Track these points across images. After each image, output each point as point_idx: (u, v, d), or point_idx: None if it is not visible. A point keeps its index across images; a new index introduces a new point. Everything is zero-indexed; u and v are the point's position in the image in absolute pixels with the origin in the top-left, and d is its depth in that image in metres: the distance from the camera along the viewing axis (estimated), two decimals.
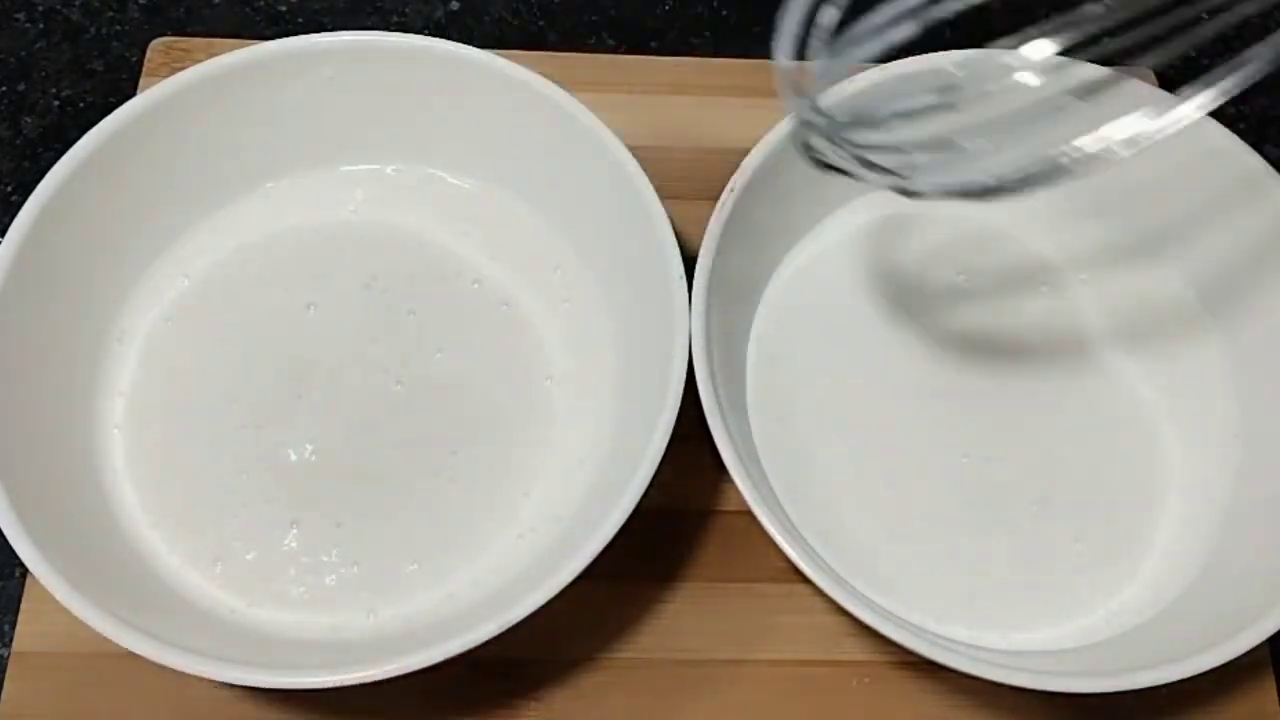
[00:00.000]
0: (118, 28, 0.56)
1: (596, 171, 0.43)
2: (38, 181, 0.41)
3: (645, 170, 0.42)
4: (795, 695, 0.43)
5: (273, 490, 0.43)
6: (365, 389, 0.45)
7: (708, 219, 0.42)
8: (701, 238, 0.41)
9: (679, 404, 0.38)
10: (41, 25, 0.56)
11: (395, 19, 0.57)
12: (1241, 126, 0.52)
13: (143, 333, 0.45)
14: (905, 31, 0.32)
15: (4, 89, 0.55)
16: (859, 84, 0.41)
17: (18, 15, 0.56)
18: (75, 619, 0.35)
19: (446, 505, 0.43)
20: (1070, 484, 0.44)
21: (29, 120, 0.54)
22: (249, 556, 0.42)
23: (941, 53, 0.45)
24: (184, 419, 0.44)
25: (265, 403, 0.44)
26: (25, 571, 0.43)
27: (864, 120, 0.34)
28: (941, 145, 0.33)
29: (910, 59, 0.44)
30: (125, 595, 0.39)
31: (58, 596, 0.36)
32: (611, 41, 0.57)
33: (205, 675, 0.36)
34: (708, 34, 0.58)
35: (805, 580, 0.37)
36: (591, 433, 0.44)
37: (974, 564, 0.43)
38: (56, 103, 0.55)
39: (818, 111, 0.34)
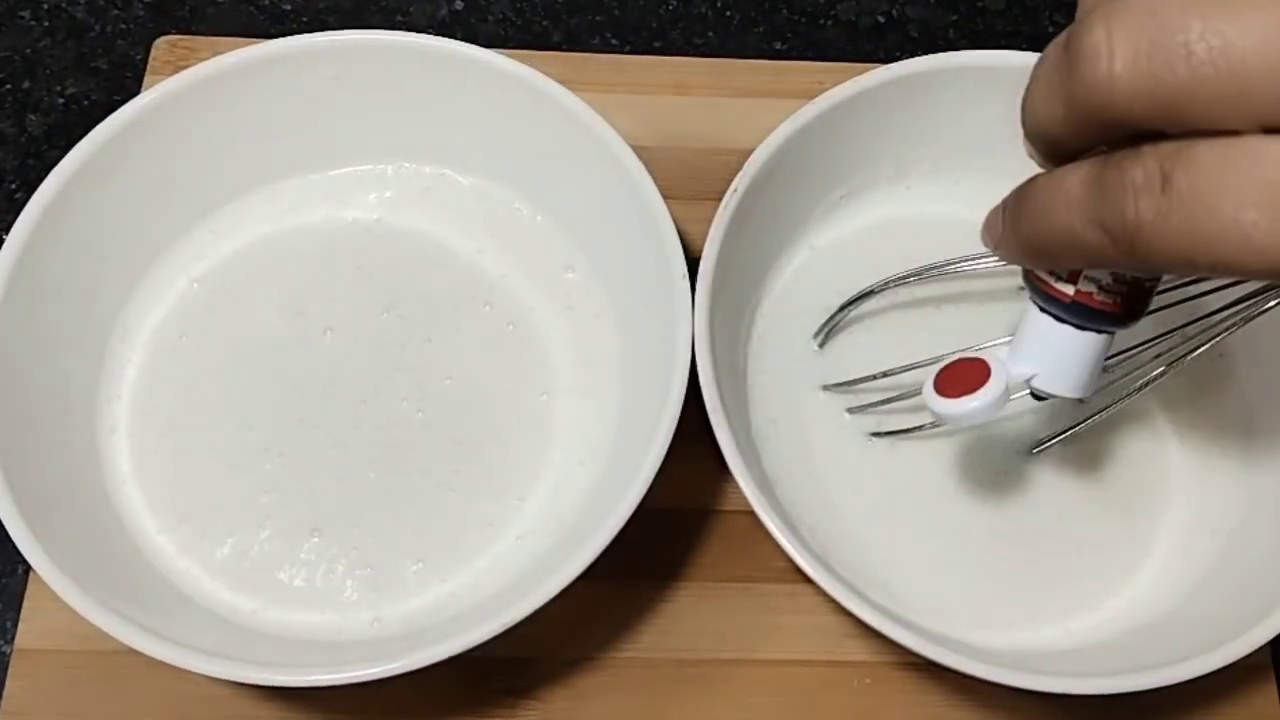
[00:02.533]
0: (123, 26, 0.57)
1: (599, 171, 0.43)
2: (42, 179, 0.42)
3: (648, 170, 0.42)
4: (796, 695, 0.43)
5: (277, 496, 0.43)
6: (379, 415, 0.44)
7: (711, 218, 0.42)
8: (704, 237, 0.41)
9: (682, 403, 0.38)
10: (46, 23, 0.56)
11: (399, 18, 0.57)
12: None
13: (146, 334, 0.45)
14: None
15: (9, 86, 0.55)
16: None
17: (23, 13, 0.56)
18: (78, 616, 0.36)
19: (450, 506, 0.43)
20: (1073, 486, 0.44)
21: (34, 118, 0.54)
22: (252, 558, 0.42)
23: (949, 53, 0.45)
24: (187, 422, 0.44)
25: (273, 417, 0.44)
26: (28, 569, 0.43)
27: None
28: None
29: (921, 59, 0.44)
30: (128, 592, 0.39)
31: (59, 593, 0.36)
32: (615, 41, 0.57)
33: (206, 673, 0.36)
34: (711, 34, 0.58)
35: (807, 580, 0.37)
36: (593, 434, 0.44)
37: (974, 564, 0.43)
38: (61, 100, 0.55)
39: None
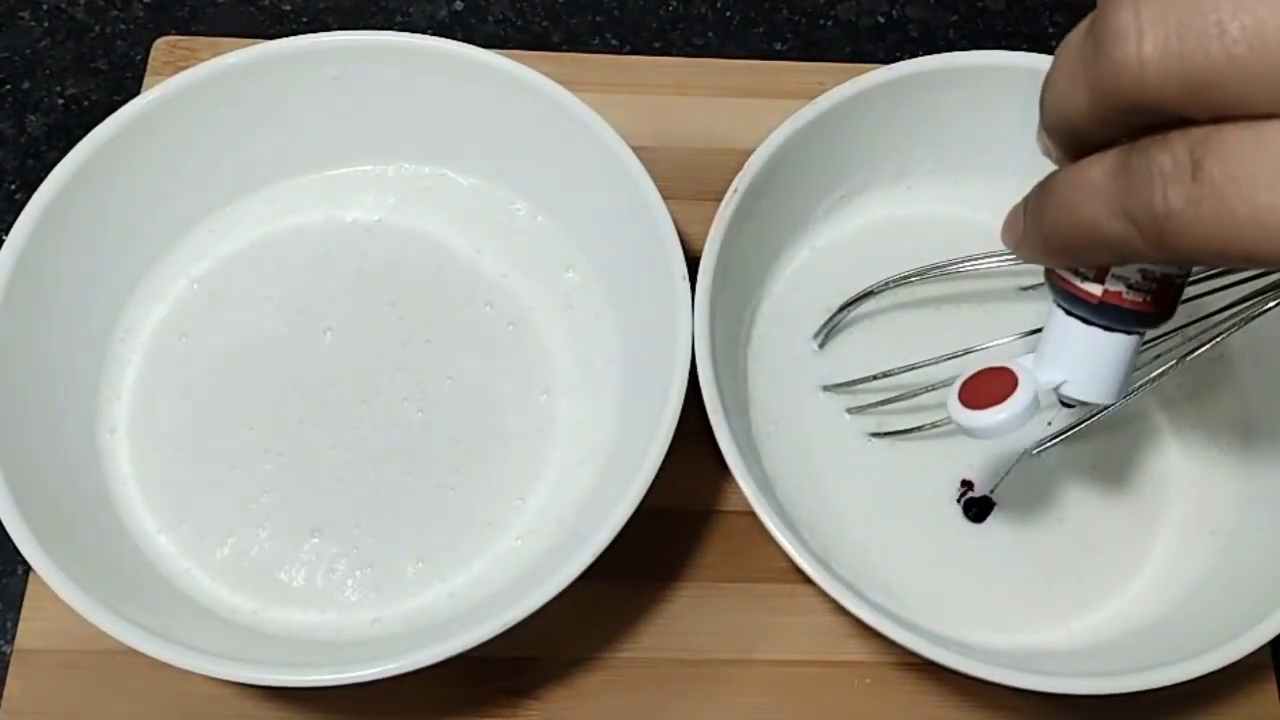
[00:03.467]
0: (122, 26, 0.57)
1: (599, 171, 0.43)
2: (42, 179, 0.42)
3: (648, 170, 0.42)
4: (796, 696, 0.43)
5: (277, 496, 0.43)
6: (379, 415, 0.44)
7: (711, 218, 0.42)
8: (704, 237, 0.41)
9: (682, 403, 0.38)
10: (46, 24, 0.56)
11: (399, 19, 0.57)
12: None
13: (146, 334, 0.45)
14: None
15: (9, 87, 0.55)
16: None
17: (23, 14, 0.56)
18: (78, 616, 0.36)
19: (450, 506, 0.43)
20: (1073, 487, 0.44)
21: (33, 118, 0.54)
22: (252, 558, 0.42)
23: (949, 53, 0.45)
24: (187, 422, 0.44)
25: (273, 417, 0.44)
26: (28, 569, 0.43)
27: None
28: None
29: (921, 59, 0.44)
30: (128, 592, 0.39)
31: (59, 593, 0.36)
32: (615, 42, 0.57)
33: (207, 673, 0.36)
34: (711, 35, 0.58)
35: (806, 580, 0.37)
36: (593, 434, 0.44)
37: (974, 565, 0.43)
38: (61, 101, 0.55)
39: None
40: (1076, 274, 0.30)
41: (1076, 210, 0.26)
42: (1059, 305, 0.32)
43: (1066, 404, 0.33)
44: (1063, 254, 0.28)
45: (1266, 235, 0.22)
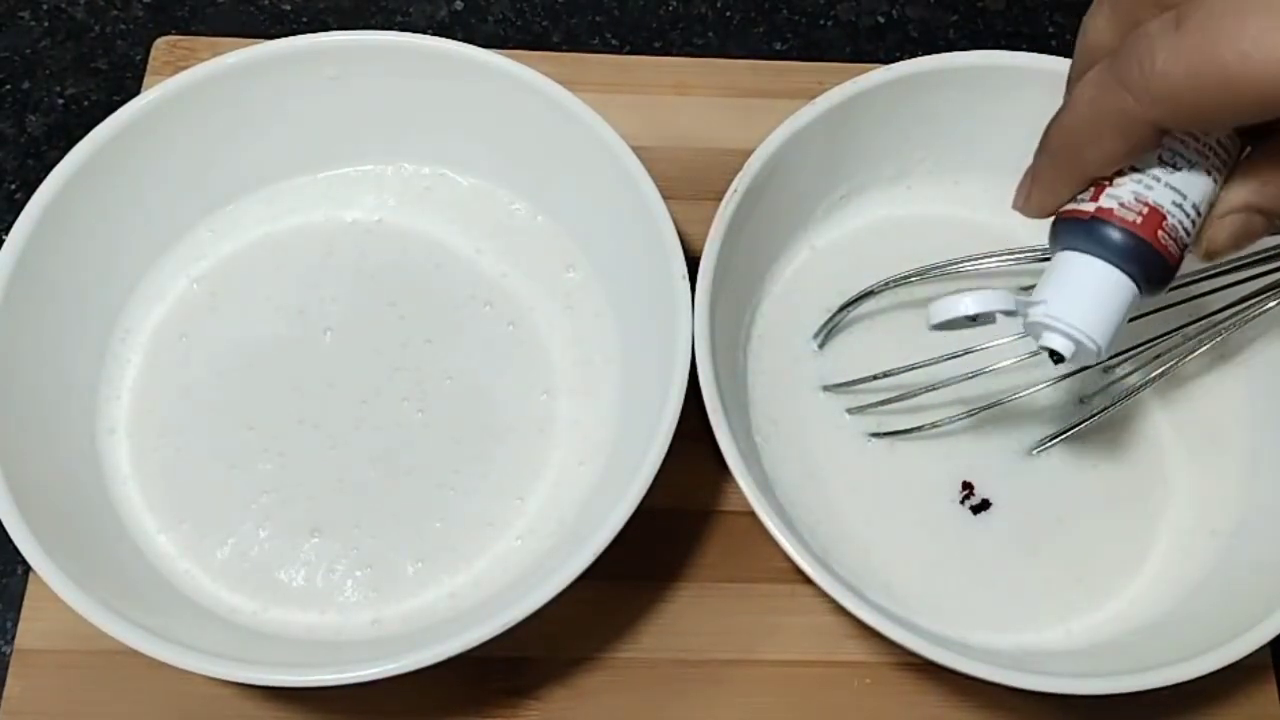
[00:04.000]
0: (122, 26, 0.57)
1: (599, 171, 0.43)
2: (42, 179, 0.42)
3: (648, 170, 0.42)
4: (796, 696, 0.43)
5: (277, 496, 0.43)
6: (379, 415, 0.44)
7: (711, 218, 0.42)
8: (704, 237, 0.41)
9: (682, 403, 0.39)
10: (46, 23, 0.56)
11: (399, 19, 0.57)
12: None
13: (146, 334, 0.45)
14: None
15: (9, 87, 0.55)
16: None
17: (23, 14, 0.56)
18: (78, 616, 0.36)
19: (450, 506, 0.43)
20: (1073, 487, 0.44)
21: (33, 118, 0.54)
22: (252, 558, 0.42)
23: (949, 53, 0.45)
24: (187, 422, 0.44)
25: (273, 417, 0.44)
26: (28, 569, 0.43)
27: None
28: None
29: (921, 59, 0.44)
30: (128, 592, 0.39)
31: (59, 593, 0.36)
32: (615, 42, 0.57)
33: (207, 673, 0.36)
34: (711, 35, 0.58)
35: (807, 581, 0.37)
36: (593, 434, 0.44)
37: (975, 565, 0.43)
38: (61, 101, 0.55)
39: None
40: (1075, 201, 0.32)
41: (1079, 106, 0.29)
42: (1057, 247, 0.33)
43: (1056, 358, 0.33)
44: (1068, 164, 0.31)
45: (1246, 63, 0.24)
